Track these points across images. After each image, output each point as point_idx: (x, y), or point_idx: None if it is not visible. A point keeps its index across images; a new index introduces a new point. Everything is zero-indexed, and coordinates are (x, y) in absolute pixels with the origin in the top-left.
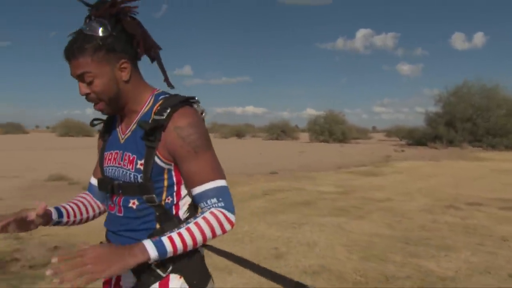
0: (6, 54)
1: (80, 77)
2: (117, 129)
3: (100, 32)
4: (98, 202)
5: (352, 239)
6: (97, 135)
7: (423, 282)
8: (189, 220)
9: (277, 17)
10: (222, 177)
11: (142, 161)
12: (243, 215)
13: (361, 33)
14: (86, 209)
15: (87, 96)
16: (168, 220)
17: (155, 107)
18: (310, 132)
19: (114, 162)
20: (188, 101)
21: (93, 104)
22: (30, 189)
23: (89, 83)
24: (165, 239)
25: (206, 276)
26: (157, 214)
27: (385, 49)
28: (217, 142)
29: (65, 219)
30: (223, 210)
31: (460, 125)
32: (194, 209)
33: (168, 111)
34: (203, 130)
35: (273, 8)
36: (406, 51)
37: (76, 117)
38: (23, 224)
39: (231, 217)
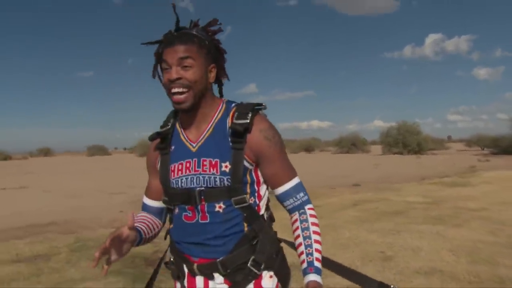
0: (89, 84)
1: (181, 60)
2: (183, 140)
3: (205, 36)
4: (158, 219)
5: (455, 245)
6: None
7: None
8: (306, 233)
9: (340, 29)
10: (296, 172)
11: (227, 163)
12: (339, 223)
13: (431, 38)
14: (153, 227)
15: (177, 81)
16: (256, 220)
17: (231, 113)
18: (382, 144)
19: (188, 171)
20: (259, 107)
21: (174, 94)
22: (139, 203)
23: (186, 68)
24: (318, 264)
25: (288, 269)
26: (245, 215)
27: (458, 53)
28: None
29: (143, 237)
30: (310, 205)
31: None
32: (268, 208)
33: (250, 115)
34: (278, 131)
35: (335, 20)
36: (483, 54)
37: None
38: (122, 244)
39: (313, 206)
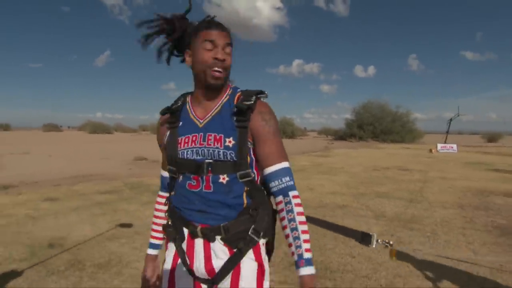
0: (38, 73)
1: (226, 45)
2: (191, 117)
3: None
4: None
5: (338, 183)
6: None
7: (377, 194)
8: (292, 224)
9: (237, 50)
10: (288, 159)
11: (230, 139)
12: None
13: (296, 62)
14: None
15: (222, 62)
16: (257, 193)
17: (237, 96)
18: None
19: (194, 144)
20: (262, 95)
21: (215, 71)
22: (131, 164)
23: (227, 54)
24: (307, 255)
25: (274, 233)
26: (248, 188)
27: (312, 74)
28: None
29: (163, 244)
30: (295, 192)
31: (366, 127)
32: (263, 183)
33: (254, 98)
34: (277, 119)
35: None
36: (326, 76)
37: (92, 120)
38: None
39: (298, 193)
